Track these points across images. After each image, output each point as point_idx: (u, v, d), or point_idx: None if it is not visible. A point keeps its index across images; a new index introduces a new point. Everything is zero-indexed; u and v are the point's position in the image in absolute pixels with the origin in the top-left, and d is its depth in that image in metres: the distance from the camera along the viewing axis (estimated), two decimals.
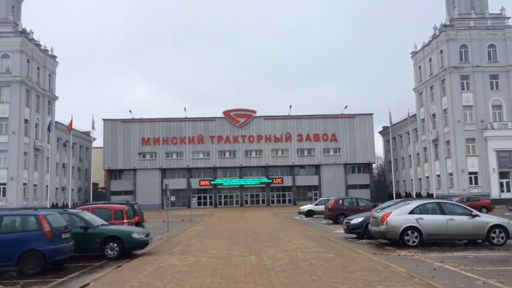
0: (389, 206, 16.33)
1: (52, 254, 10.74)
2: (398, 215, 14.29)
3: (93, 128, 54.67)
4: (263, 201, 69.33)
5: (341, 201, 27.43)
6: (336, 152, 69.32)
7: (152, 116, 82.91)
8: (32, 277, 10.23)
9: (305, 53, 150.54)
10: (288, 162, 69.10)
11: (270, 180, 68.89)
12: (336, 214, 25.95)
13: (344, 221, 18.37)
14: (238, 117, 68.91)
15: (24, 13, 56.98)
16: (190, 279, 9.39)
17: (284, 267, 10.62)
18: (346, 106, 70.16)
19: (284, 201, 69.61)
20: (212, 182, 68.34)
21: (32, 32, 55.27)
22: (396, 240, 14.21)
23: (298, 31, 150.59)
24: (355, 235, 17.45)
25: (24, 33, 52.71)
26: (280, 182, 69.14)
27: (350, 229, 17.37)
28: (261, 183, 69.05)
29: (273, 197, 69.83)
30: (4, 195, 49.39)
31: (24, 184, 51.36)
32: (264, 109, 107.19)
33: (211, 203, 68.81)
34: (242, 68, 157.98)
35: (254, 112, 69.67)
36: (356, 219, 17.32)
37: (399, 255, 12.57)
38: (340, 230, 20.34)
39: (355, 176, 70.03)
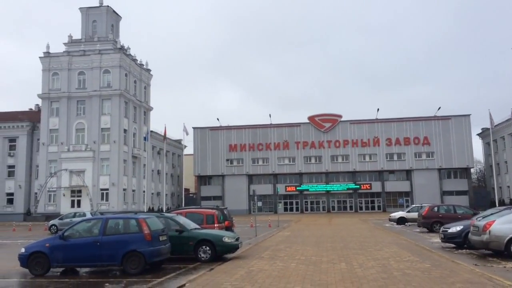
0: (492, 214, 15.09)
1: (151, 255, 11.42)
2: (503, 223, 13.11)
3: (187, 133, 57.49)
4: (351, 208, 67.76)
5: (436, 208, 25.89)
6: (429, 156, 65.76)
7: (239, 122, 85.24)
8: (134, 277, 10.95)
9: (397, 52, 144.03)
10: (376, 167, 66.90)
11: (358, 186, 67.16)
12: (431, 222, 24.53)
13: (441, 230, 17.28)
14: (323, 122, 68.25)
15: (122, 30, 61.60)
16: (280, 284, 9.43)
17: (376, 276, 10.24)
18: (440, 108, 66.37)
19: (373, 208, 67.42)
20: (298, 188, 68.30)
21: (129, 48, 59.72)
22: (501, 251, 13.05)
23: (390, 29, 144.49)
24: (453, 245, 16.34)
25: (122, 49, 57.11)
26: (369, 188, 67.13)
27: (447, 238, 16.30)
28: (348, 188, 67.59)
29: (361, 203, 67.97)
30: (107, 199, 53.69)
31: (124, 189, 55.41)
32: (351, 113, 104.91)
33: (297, 209, 68.76)
34: (330, 71, 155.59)
35: (340, 116, 68.55)
36: (454, 228, 16.22)
37: (504, 267, 11.53)
38: (436, 239, 19.19)
39: (451, 182, 65.78)
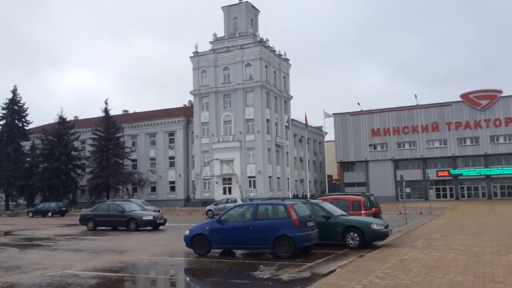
0: None
1: (300, 240, 11.67)
2: None
3: (330, 115, 57.95)
4: None
5: None
6: None
7: (382, 105, 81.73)
8: (285, 260, 11.31)
9: None
10: None
11: None
12: None
13: None
14: (479, 99, 61.54)
15: (259, 22, 63.86)
16: (438, 275, 8.78)
17: None
18: None
19: None
20: (451, 172, 63.00)
21: (268, 40, 61.69)
22: None
23: None
24: None
25: (261, 42, 59.23)
26: None
27: None
28: None
29: None
30: (254, 186, 56.68)
31: (269, 177, 57.80)
32: None
33: (451, 195, 63.55)
34: (493, 38, 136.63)
35: (499, 92, 61.07)
36: None
37: None
38: None
39: None
